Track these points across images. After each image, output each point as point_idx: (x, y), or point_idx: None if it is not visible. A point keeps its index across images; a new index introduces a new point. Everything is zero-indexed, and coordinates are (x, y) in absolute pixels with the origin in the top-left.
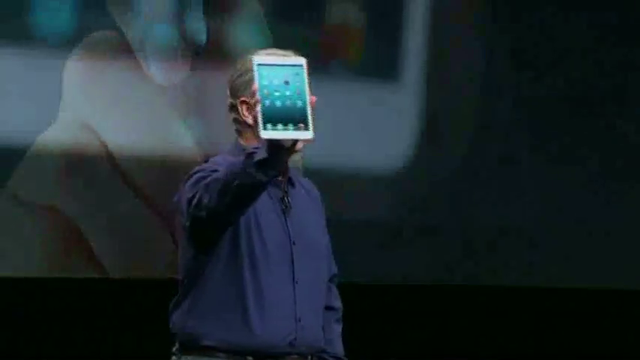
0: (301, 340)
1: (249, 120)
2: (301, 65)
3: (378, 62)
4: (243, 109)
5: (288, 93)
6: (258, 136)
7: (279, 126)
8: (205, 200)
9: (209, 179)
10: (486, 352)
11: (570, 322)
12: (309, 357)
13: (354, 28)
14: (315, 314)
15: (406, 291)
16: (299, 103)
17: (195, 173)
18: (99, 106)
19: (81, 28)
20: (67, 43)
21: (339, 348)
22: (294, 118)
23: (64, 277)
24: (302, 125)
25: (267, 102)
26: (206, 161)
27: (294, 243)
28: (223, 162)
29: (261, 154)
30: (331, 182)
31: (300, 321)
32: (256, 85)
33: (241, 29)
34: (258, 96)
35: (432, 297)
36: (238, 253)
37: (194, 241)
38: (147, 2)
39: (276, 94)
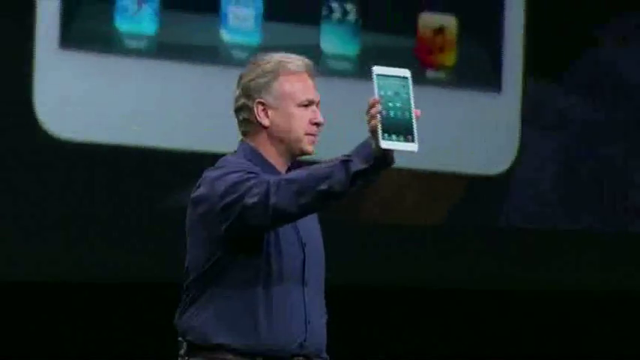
0: (310, 342)
1: (265, 122)
2: (407, 77)
3: (475, 70)
4: (259, 110)
5: (398, 104)
6: (377, 146)
7: (393, 137)
8: (273, 200)
9: (280, 180)
10: (486, 353)
11: (568, 323)
12: (313, 359)
13: (448, 35)
14: (321, 316)
15: (406, 293)
16: (406, 115)
17: (225, 175)
18: None
19: None
20: None
21: (325, 355)
22: (404, 129)
23: (65, 279)
24: (409, 137)
25: (384, 112)
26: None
27: (305, 245)
28: (237, 164)
29: (360, 164)
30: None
31: (309, 323)
32: (377, 95)
33: (332, 34)
34: (379, 106)
35: (433, 299)
36: (257, 255)
37: (230, 240)
38: None
39: (390, 104)
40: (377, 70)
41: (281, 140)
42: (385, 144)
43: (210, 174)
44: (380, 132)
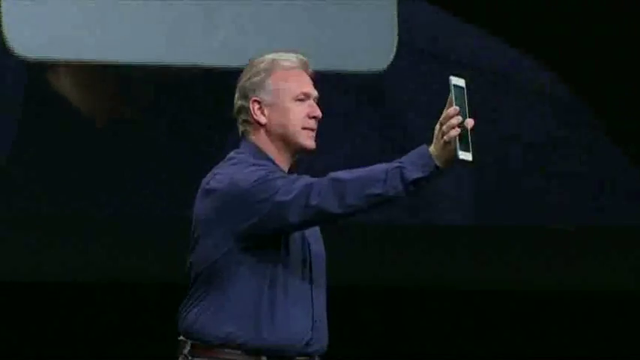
0: (315, 341)
1: (262, 119)
2: (464, 87)
3: None
4: (255, 109)
5: (460, 115)
6: (445, 156)
7: (459, 146)
8: (316, 200)
9: (323, 180)
10: (485, 353)
11: (566, 323)
12: (316, 358)
13: None
14: (324, 315)
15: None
16: (464, 124)
17: (250, 172)
18: None
19: None
20: None
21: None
22: (464, 139)
23: (64, 279)
24: (466, 146)
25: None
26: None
27: (309, 244)
28: (255, 161)
29: (416, 172)
30: None
31: (316, 322)
32: (456, 108)
33: None
34: (460, 117)
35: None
36: (269, 252)
37: (249, 236)
38: None
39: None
40: (454, 80)
41: (279, 136)
42: (462, 155)
43: (226, 170)
44: (459, 144)
